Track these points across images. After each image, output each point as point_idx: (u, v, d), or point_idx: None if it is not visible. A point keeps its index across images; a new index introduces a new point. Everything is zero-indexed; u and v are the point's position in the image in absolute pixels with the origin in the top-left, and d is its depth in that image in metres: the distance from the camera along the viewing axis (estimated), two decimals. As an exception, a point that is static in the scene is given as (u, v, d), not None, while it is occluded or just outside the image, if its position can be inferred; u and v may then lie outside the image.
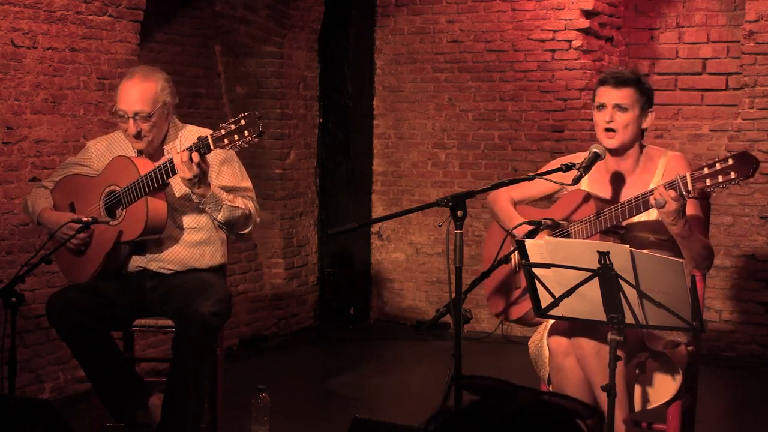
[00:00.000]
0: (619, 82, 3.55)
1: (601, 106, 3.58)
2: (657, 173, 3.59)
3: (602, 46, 6.89)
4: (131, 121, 3.89)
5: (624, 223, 3.51)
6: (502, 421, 1.38)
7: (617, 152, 3.60)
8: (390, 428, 3.12)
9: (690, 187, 3.21)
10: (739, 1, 6.56)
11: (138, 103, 3.88)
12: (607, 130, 3.56)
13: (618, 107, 3.54)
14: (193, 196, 3.87)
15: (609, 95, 3.56)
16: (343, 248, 7.20)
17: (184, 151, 3.70)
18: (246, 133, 3.59)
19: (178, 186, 3.93)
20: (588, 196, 3.60)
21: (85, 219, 3.83)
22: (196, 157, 3.66)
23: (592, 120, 3.70)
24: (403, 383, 5.77)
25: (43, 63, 5.06)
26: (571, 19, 6.74)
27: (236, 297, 6.34)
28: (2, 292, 3.62)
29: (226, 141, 3.63)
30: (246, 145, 3.64)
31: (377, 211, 7.38)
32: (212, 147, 3.67)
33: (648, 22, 6.95)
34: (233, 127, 3.61)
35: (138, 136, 3.92)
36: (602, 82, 3.60)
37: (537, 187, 3.80)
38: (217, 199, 3.87)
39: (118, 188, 3.91)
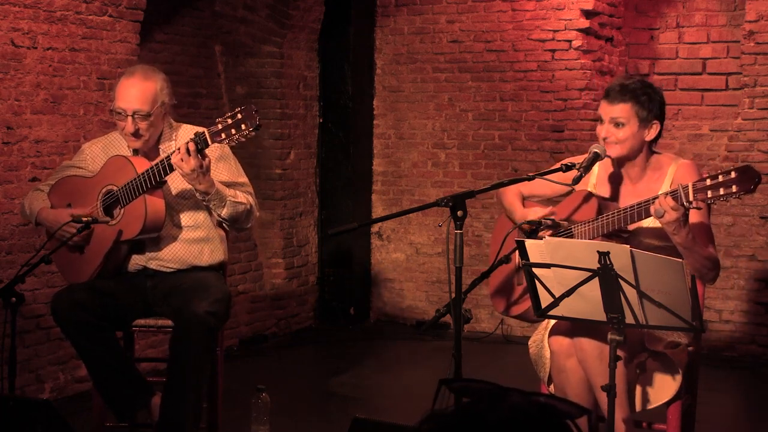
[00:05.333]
0: (615, 97, 3.53)
1: (600, 120, 3.59)
2: (666, 181, 3.57)
3: (602, 46, 6.88)
4: (129, 119, 3.90)
5: (630, 227, 3.50)
6: (494, 422, 1.38)
7: (620, 161, 3.60)
8: (390, 428, 3.12)
9: (691, 198, 3.20)
10: (739, 1, 6.56)
11: (137, 102, 3.89)
12: (606, 141, 3.56)
13: (613, 122, 3.54)
14: (197, 194, 3.87)
15: (605, 110, 3.56)
16: (343, 248, 7.20)
17: (181, 145, 3.70)
18: (243, 126, 3.59)
19: (175, 184, 3.94)
20: (593, 200, 3.59)
21: (85, 218, 3.83)
22: (192, 145, 3.66)
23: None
24: (403, 383, 5.76)
25: (43, 63, 5.06)
26: (571, 19, 6.74)
27: (236, 297, 6.34)
28: (2, 292, 3.62)
29: (223, 135, 3.63)
30: (243, 139, 3.63)
31: (377, 211, 7.38)
32: (209, 142, 3.67)
33: (648, 22, 6.95)
34: (230, 121, 3.61)
35: (136, 134, 3.92)
36: (604, 95, 3.61)
37: (546, 189, 3.79)
38: (221, 196, 3.87)
39: (115, 187, 3.91)
